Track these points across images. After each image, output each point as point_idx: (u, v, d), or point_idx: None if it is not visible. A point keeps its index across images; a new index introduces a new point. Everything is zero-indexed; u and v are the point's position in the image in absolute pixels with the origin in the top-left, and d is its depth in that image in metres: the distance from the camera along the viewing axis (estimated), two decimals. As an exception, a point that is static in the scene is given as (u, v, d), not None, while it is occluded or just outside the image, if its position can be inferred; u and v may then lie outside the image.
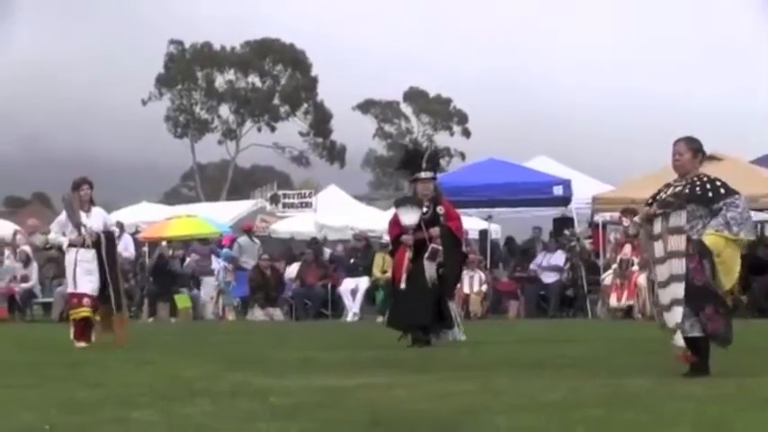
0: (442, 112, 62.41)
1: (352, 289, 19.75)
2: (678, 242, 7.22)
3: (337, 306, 20.29)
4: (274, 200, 27.40)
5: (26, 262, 20.17)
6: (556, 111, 64.78)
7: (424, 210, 11.21)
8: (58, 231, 11.54)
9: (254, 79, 58.61)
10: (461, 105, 61.99)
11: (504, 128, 61.80)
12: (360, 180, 59.86)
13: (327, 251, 22.25)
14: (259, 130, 58.60)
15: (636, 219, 7.83)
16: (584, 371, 7.31)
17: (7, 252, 20.67)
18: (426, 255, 11.05)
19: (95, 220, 11.34)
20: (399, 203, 11.79)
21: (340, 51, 70.82)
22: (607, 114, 65.12)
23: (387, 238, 20.46)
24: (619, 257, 17.94)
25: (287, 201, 27.23)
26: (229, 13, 69.88)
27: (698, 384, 6.76)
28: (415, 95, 62.89)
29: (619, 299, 17.73)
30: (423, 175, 11.31)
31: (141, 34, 69.19)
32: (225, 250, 22.05)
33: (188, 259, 21.42)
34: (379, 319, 18.85)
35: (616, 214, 18.82)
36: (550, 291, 19.91)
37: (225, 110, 58.57)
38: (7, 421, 5.45)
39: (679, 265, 7.20)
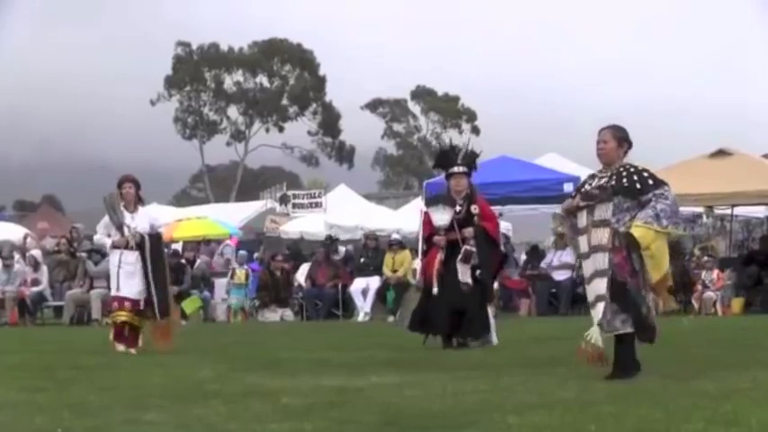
0: (450, 110, 62.42)
1: (363, 289, 19.75)
2: (602, 236, 7.00)
3: (348, 306, 20.29)
4: (284, 200, 27.42)
5: (35, 266, 20.22)
6: (565, 108, 64.81)
7: (458, 209, 10.67)
8: (104, 233, 10.99)
9: (263, 80, 58.75)
10: (470, 103, 62.10)
11: (514, 125, 61.83)
12: (369, 179, 59.98)
13: (342, 249, 22.24)
14: (267, 130, 58.73)
15: (558, 211, 7.57)
16: (597, 368, 7.30)
17: (17, 256, 20.72)
18: (459, 257, 10.54)
19: (141, 220, 10.82)
20: (431, 202, 11.22)
21: (348, 51, 71.03)
22: (617, 110, 64.99)
23: (394, 237, 20.57)
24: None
25: (296, 201, 27.24)
26: (236, 13, 70.07)
27: (711, 380, 6.75)
28: (422, 94, 62.93)
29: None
30: (456, 169, 10.77)
31: (148, 36, 69.40)
32: (241, 252, 22.08)
33: (198, 261, 21.46)
34: (390, 318, 18.85)
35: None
36: (562, 288, 19.87)
37: (233, 111, 58.77)
38: (20, 424, 5.48)
39: (602, 260, 6.99)
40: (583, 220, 7.14)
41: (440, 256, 10.65)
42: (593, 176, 7.27)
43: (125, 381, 7.64)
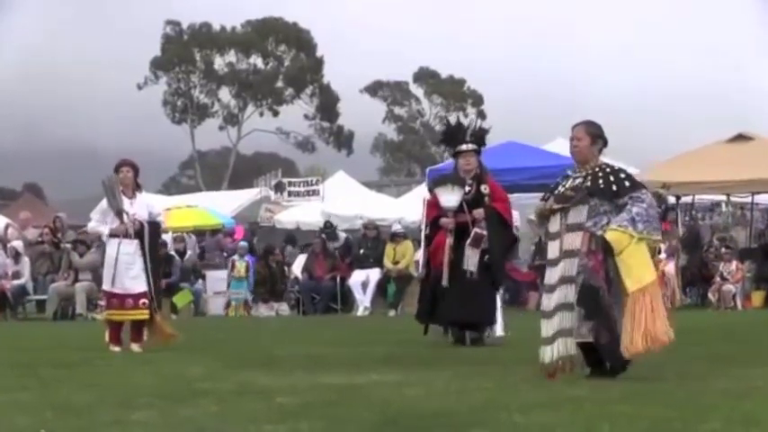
0: (455, 93, 62.34)
1: (363, 281, 19.77)
2: (575, 240, 6.90)
3: (347, 300, 20.32)
4: (279, 188, 27.45)
5: (17, 257, 20.22)
6: (576, 90, 64.71)
7: (467, 189, 10.50)
8: (100, 220, 10.75)
9: (256, 61, 58.68)
10: (475, 86, 62.02)
11: (522, 109, 61.74)
12: (369, 166, 59.96)
13: (342, 235, 22.19)
14: (261, 114, 58.68)
15: (531, 216, 7.45)
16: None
17: (-3, 247, 20.73)
18: (469, 240, 10.38)
19: (139, 207, 10.62)
20: (438, 182, 11.00)
21: (346, 30, 70.85)
22: (631, 93, 65.02)
23: (396, 227, 20.56)
24: (645, 244, 17.92)
25: (292, 189, 27.27)
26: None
27: (730, 377, 6.76)
28: (426, 76, 62.86)
29: (645, 288, 17.70)
30: (464, 147, 10.63)
31: (136, 15, 69.29)
32: (241, 243, 22.07)
33: (189, 252, 21.48)
34: (391, 313, 18.90)
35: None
36: (573, 281, 19.85)
37: (225, 93, 58.69)
38: (1, 425, 5.48)
39: (572, 266, 6.88)
40: (556, 224, 7.04)
41: (449, 240, 10.50)
42: (566, 177, 7.17)
43: (111, 379, 7.65)
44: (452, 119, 11.70)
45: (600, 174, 6.98)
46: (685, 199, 20.37)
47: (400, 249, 19.58)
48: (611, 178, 6.94)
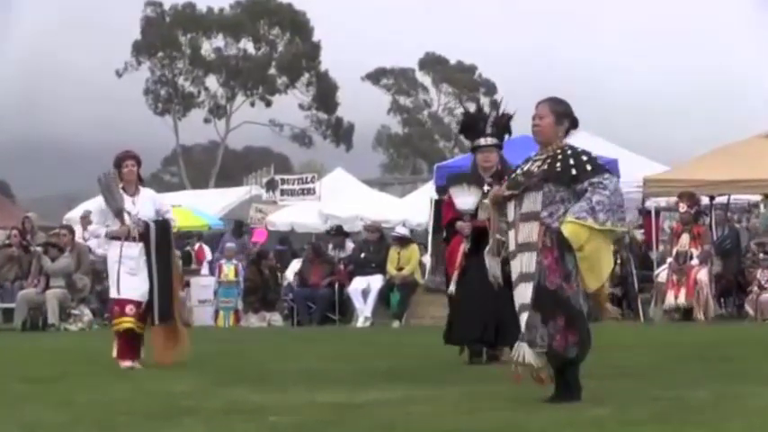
0: (465, 81, 62.41)
1: (363, 289, 19.77)
2: (531, 231, 6.76)
3: (346, 309, 20.33)
4: (271, 186, 27.44)
5: (-19, 262, 20.24)
6: (598, 79, 64.89)
7: (485, 189, 10.23)
8: (100, 221, 10.56)
9: (247, 45, 58.73)
10: (488, 74, 62.09)
11: (539, 98, 61.80)
12: (370, 162, 60.12)
13: (350, 245, 22.20)
14: (252, 105, 58.72)
15: (485, 201, 7.25)
16: (636, 381, 7.33)
17: (-40, 251, 20.74)
18: (487, 248, 10.46)
19: (144, 205, 10.40)
20: (453, 181, 10.86)
21: (346, 12, 70.93)
22: (658, 84, 65.12)
23: (400, 231, 20.56)
24: (675, 249, 17.92)
25: (286, 187, 27.26)
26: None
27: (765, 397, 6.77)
28: (433, 63, 62.93)
29: (676, 297, 17.73)
30: (483, 141, 10.55)
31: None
32: (229, 244, 22.08)
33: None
34: (395, 324, 18.90)
35: (672, 199, 18.76)
36: (595, 289, 19.86)
37: (213, 81, 58.71)
38: (-35, 446, 5.50)
39: (529, 261, 6.76)
40: (511, 212, 6.93)
41: (463, 246, 10.45)
42: (527, 160, 7.02)
43: (87, 396, 7.66)
44: (472, 107, 11.55)
45: (560, 156, 6.81)
46: (720, 199, 20.37)
47: (405, 254, 19.57)
48: (571, 161, 6.75)
